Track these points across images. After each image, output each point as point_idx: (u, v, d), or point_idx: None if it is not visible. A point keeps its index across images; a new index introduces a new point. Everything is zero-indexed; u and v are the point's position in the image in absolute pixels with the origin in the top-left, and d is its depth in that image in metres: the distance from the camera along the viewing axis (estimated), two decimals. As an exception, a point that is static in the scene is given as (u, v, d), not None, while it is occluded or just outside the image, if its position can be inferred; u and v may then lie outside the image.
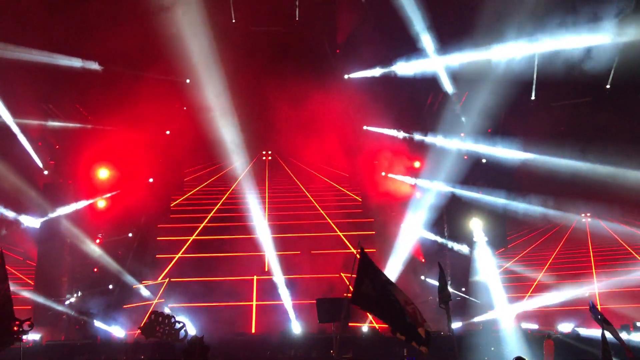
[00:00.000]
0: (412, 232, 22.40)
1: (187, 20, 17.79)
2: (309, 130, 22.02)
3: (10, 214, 20.20)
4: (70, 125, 21.62)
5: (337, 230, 23.93)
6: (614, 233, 24.09)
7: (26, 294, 19.89)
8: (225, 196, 24.81)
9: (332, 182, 25.72)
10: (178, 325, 16.86)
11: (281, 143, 24.29)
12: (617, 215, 23.79)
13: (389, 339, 16.69)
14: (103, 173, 22.22)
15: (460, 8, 17.71)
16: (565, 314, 21.15)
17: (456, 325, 19.62)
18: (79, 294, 21.58)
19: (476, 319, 20.86)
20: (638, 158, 18.29)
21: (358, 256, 9.99)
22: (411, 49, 18.99)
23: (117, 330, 20.04)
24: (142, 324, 17.32)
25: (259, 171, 25.09)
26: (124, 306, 21.82)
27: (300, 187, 25.62)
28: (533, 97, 19.69)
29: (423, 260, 23.28)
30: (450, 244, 22.75)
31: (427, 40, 18.53)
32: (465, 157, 21.96)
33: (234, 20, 19.39)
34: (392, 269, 21.76)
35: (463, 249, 22.44)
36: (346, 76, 21.47)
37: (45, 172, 21.95)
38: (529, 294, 23.19)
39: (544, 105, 20.40)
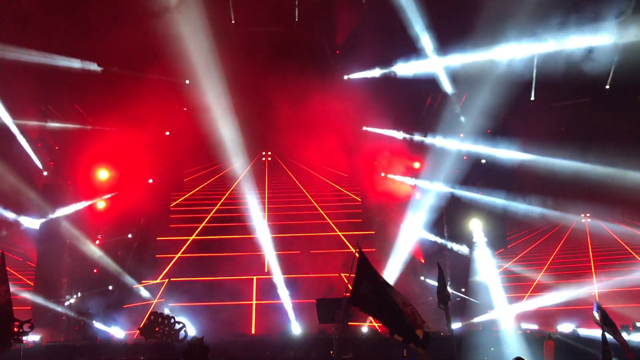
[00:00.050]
0: (411, 233, 22.40)
1: (187, 21, 17.79)
2: (309, 130, 22.05)
3: (10, 215, 20.18)
4: (70, 126, 21.61)
5: (337, 230, 23.94)
6: (614, 233, 24.09)
7: (26, 295, 19.86)
8: (225, 196, 24.82)
9: (331, 182, 25.73)
10: (178, 326, 16.86)
11: (281, 143, 24.31)
12: (617, 215, 23.81)
13: (389, 339, 16.59)
14: (102, 174, 22.22)
15: (459, 8, 17.70)
16: (565, 314, 21.14)
17: (456, 325, 19.62)
18: (79, 295, 21.56)
19: (476, 320, 20.86)
20: (637, 158, 18.29)
21: (357, 256, 10.01)
22: (411, 49, 19.01)
23: (117, 331, 20.03)
24: (141, 325, 17.31)
25: (258, 172, 25.11)
26: (124, 306, 21.83)
27: (300, 187, 25.62)
28: (532, 98, 19.70)
29: (423, 260, 23.28)
30: (449, 244, 22.74)
31: (426, 40, 18.55)
32: (465, 158, 21.97)
33: (233, 21, 19.41)
34: (392, 270, 21.78)
35: (463, 249, 22.43)
36: (346, 77, 21.49)
37: (45, 173, 21.94)
38: (528, 294, 23.18)
39: (544, 105, 20.42)
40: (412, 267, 22.75)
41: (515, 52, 17.55)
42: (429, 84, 20.39)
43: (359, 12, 19.84)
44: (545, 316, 21.50)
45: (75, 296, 21.48)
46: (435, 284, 11.06)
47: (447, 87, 20.47)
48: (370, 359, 17.11)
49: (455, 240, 22.61)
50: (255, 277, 22.98)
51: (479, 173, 22.20)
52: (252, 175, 23.78)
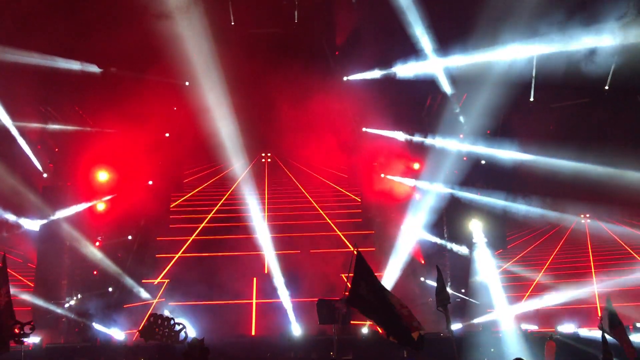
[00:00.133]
0: (411, 234, 22.41)
1: (186, 22, 17.79)
2: (309, 131, 22.07)
3: (10, 217, 20.17)
4: (70, 127, 21.61)
5: (337, 230, 23.95)
6: (613, 234, 24.10)
7: (26, 296, 19.85)
8: (225, 197, 24.84)
9: (331, 183, 25.75)
10: (178, 327, 16.83)
11: (281, 144, 24.34)
12: (617, 215, 23.82)
13: (389, 340, 16.69)
14: (102, 176, 22.22)
15: (459, 10, 17.72)
16: (565, 314, 21.15)
17: (456, 326, 19.62)
18: (79, 296, 21.55)
19: (476, 320, 20.86)
20: (637, 159, 18.31)
21: (356, 255, 10.06)
22: (410, 50, 19.01)
23: (117, 333, 20.02)
24: (140, 327, 17.29)
25: (258, 172, 25.14)
26: (124, 306, 21.86)
27: (299, 188, 25.65)
28: (532, 99, 19.71)
29: (423, 261, 23.28)
30: (449, 245, 22.74)
31: (426, 41, 18.55)
32: (465, 159, 21.98)
33: (233, 23, 19.41)
34: (392, 270, 21.79)
35: (462, 250, 22.44)
36: (345, 78, 21.50)
37: (45, 175, 21.94)
38: (527, 294, 23.19)
39: (543, 106, 20.44)
40: (412, 268, 22.76)
41: (514, 53, 17.56)
42: (428, 85, 20.39)
43: (359, 13, 19.85)
44: (546, 316, 21.52)
45: (75, 298, 21.47)
46: (435, 284, 11.11)
47: (447, 87, 20.47)
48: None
49: (455, 241, 22.61)
50: (255, 277, 23.00)
51: (478, 174, 22.20)
52: (252, 176, 23.79)
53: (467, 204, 22.29)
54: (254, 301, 22.50)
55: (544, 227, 25.16)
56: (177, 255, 23.58)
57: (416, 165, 23.23)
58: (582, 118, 20.31)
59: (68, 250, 21.31)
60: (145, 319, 17.52)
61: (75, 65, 19.06)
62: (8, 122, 19.43)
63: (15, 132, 19.90)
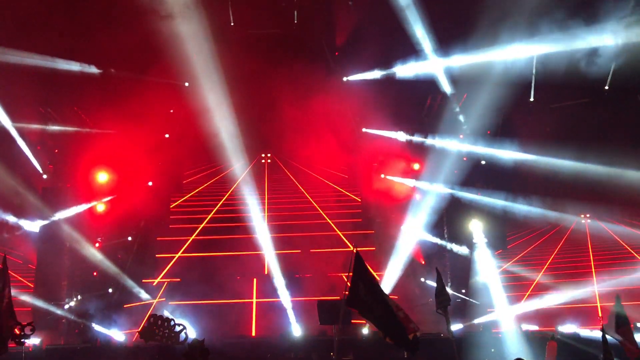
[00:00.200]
0: (411, 234, 22.41)
1: (186, 23, 17.80)
2: (309, 132, 22.07)
3: (10, 218, 20.16)
4: (69, 129, 21.61)
5: (337, 230, 23.95)
6: (614, 233, 24.09)
7: (26, 297, 19.84)
8: (225, 197, 24.84)
9: (331, 183, 25.75)
10: (178, 328, 16.82)
11: (281, 145, 24.36)
12: (617, 215, 23.81)
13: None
14: (102, 177, 22.23)
15: (459, 9, 17.72)
16: (565, 314, 21.14)
17: (457, 327, 19.61)
18: (79, 297, 21.55)
19: (476, 321, 20.84)
20: (637, 158, 18.31)
21: (355, 255, 10.10)
22: (410, 50, 19.01)
23: (117, 334, 20.01)
24: (140, 328, 17.28)
25: (258, 173, 25.13)
26: (124, 306, 21.88)
27: (299, 188, 25.65)
28: (532, 99, 19.71)
29: (423, 262, 23.27)
30: (450, 245, 22.74)
31: (426, 41, 18.56)
32: (465, 159, 21.98)
33: (232, 23, 19.41)
34: (392, 271, 21.78)
35: (463, 250, 22.43)
36: (345, 79, 21.50)
37: (45, 176, 21.94)
38: (527, 294, 23.19)
39: (543, 106, 20.44)
40: (412, 269, 22.75)
41: (515, 53, 17.56)
42: (428, 85, 20.40)
43: (358, 14, 19.84)
44: (546, 316, 21.50)
45: (75, 299, 21.47)
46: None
47: (447, 87, 20.47)
48: (370, 360, 17.13)
49: (456, 241, 22.61)
50: (255, 278, 23.00)
51: (478, 174, 22.20)
52: (252, 176, 23.80)
53: (468, 204, 22.28)
54: (254, 300, 22.50)
55: (544, 227, 25.15)
56: (177, 255, 23.58)
57: (416, 166, 23.23)
58: (582, 118, 20.29)
59: (68, 251, 21.31)
60: (145, 319, 17.52)
61: (75, 66, 19.06)
62: (8, 123, 19.44)
63: (15, 133, 19.91)
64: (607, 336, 10.88)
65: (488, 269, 22.01)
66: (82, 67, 19.26)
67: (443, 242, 22.92)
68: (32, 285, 21.39)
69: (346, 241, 23.40)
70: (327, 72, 21.46)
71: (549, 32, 16.21)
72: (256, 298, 22.58)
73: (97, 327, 20.01)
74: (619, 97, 19.08)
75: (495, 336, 18.98)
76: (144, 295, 22.46)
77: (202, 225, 24.33)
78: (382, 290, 9.99)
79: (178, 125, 22.52)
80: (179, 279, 23.05)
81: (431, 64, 19.42)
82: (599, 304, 21.77)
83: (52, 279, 20.99)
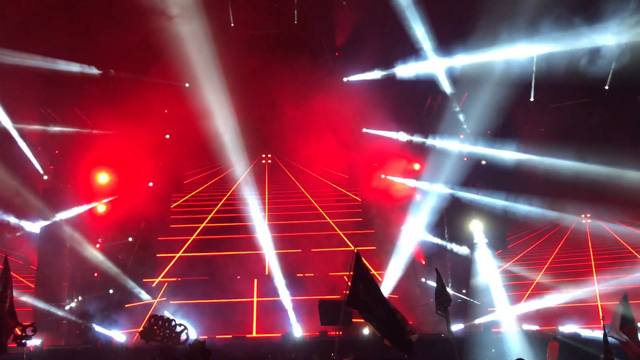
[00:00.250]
0: (412, 235, 22.41)
1: (186, 24, 17.82)
2: (309, 132, 22.09)
3: (11, 219, 20.18)
4: (70, 129, 21.63)
5: (337, 229, 23.96)
6: (615, 233, 24.08)
7: (26, 298, 19.86)
8: (225, 197, 24.87)
9: (331, 183, 25.78)
10: (179, 329, 16.83)
11: (281, 146, 24.37)
12: (618, 215, 23.80)
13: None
14: (103, 177, 22.25)
15: (459, 9, 17.73)
16: (566, 314, 21.14)
17: (457, 327, 19.60)
18: (79, 298, 21.56)
19: (477, 321, 20.84)
20: (637, 158, 18.32)
21: (355, 255, 10.14)
22: (410, 50, 19.02)
23: (118, 335, 20.02)
24: (140, 329, 17.29)
25: (258, 174, 25.15)
26: (125, 305, 21.91)
27: (300, 188, 25.67)
28: (532, 99, 19.71)
29: (424, 262, 23.27)
30: (450, 245, 22.74)
31: (426, 41, 18.56)
32: (465, 159, 21.98)
33: (232, 24, 19.43)
34: (393, 271, 21.78)
35: (463, 250, 22.43)
36: (345, 79, 21.51)
37: (45, 177, 21.95)
38: (527, 293, 23.18)
39: (543, 106, 20.44)
40: (412, 269, 22.76)
41: (514, 53, 17.57)
42: (428, 85, 20.42)
43: (358, 14, 19.86)
44: (547, 316, 21.50)
45: (76, 300, 21.48)
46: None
47: (447, 87, 20.48)
48: (371, 361, 17.10)
49: (456, 242, 22.60)
50: (256, 278, 23.02)
51: (479, 174, 22.20)
52: (252, 176, 23.83)
53: (468, 205, 22.29)
54: (255, 299, 22.51)
55: (545, 227, 25.14)
56: (178, 255, 23.60)
57: (416, 166, 23.24)
58: (582, 118, 20.30)
59: (69, 252, 21.30)
60: (146, 320, 17.52)
61: (75, 67, 19.08)
62: (8, 124, 19.45)
63: (15, 134, 19.92)
64: (608, 336, 10.88)
65: (489, 269, 22.01)
66: (83, 68, 19.28)
67: (443, 243, 22.92)
68: (33, 286, 21.40)
69: (347, 241, 23.41)
70: (327, 72, 21.47)
71: (549, 32, 16.22)
72: (257, 298, 22.59)
73: (97, 328, 20.01)
74: (619, 97, 19.08)
75: (496, 336, 18.97)
76: (144, 295, 22.48)
77: (202, 225, 24.35)
78: (381, 291, 10.04)
79: (178, 125, 22.55)
80: (179, 279, 23.06)
81: (431, 64, 19.42)
82: (599, 304, 21.76)
83: (52, 280, 20.99)
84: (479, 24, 16.61)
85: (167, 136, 23.05)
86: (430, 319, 18.76)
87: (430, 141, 22.21)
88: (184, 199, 25.50)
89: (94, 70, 19.62)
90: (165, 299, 22.46)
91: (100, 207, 22.35)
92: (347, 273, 10.19)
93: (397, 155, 23.28)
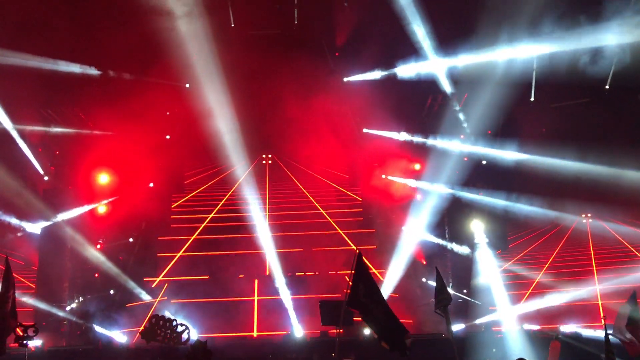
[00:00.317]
0: (413, 235, 22.41)
1: (186, 24, 17.82)
2: (309, 133, 22.09)
3: (12, 220, 20.18)
4: (70, 130, 21.64)
5: (338, 229, 23.97)
6: (616, 233, 24.07)
7: (27, 299, 19.86)
8: (226, 197, 24.90)
9: (332, 183, 25.79)
10: (180, 329, 16.83)
11: (281, 146, 24.38)
12: (618, 215, 23.79)
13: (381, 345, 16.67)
14: (103, 178, 22.26)
15: (459, 9, 17.73)
16: (567, 314, 21.12)
17: (458, 327, 19.59)
18: (80, 299, 21.57)
19: (478, 321, 20.83)
20: (637, 158, 18.31)
21: (357, 256, 10.14)
22: (410, 50, 19.01)
23: (119, 335, 20.02)
24: (141, 329, 17.28)
25: (259, 174, 25.18)
26: (127, 305, 21.92)
27: (300, 188, 25.70)
28: (532, 99, 19.71)
29: (424, 262, 23.27)
30: (451, 245, 22.73)
31: (426, 41, 18.55)
32: (466, 159, 21.98)
33: (233, 24, 19.42)
34: (393, 271, 21.78)
35: (464, 250, 22.42)
36: (345, 79, 21.50)
37: (46, 178, 21.96)
38: (528, 293, 23.17)
39: (544, 106, 20.43)
40: (413, 269, 22.75)
41: (515, 53, 17.56)
42: (429, 85, 20.40)
43: (359, 14, 19.84)
44: (547, 316, 21.49)
45: (76, 300, 21.49)
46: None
47: (447, 87, 20.48)
48: (372, 361, 17.10)
49: (457, 241, 22.58)
50: (256, 278, 23.03)
51: (479, 174, 22.20)
52: (253, 176, 23.85)
53: (468, 205, 22.28)
54: (256, 299, 22.52)
55: (545, 226, 25.13)
56: (179, 255, 23.63)
57: (417, 166, 23.24)
58: (582, 118, 20.30)
59: (69, 252, 21.31)
60: (147, 320, 17.52)
61: (76, 68, 19.08)
62: (9, 125, 19.46)
63: (16, 135, 19.93)
64: (610, 335, 10.85)
65: (489, 269, 22.00)
66: (83, 69, 19.28)
67: (444, 242, 22.91)
68: (34, 287, 21.41)
69: (348, 240, 23.43)
70: (328, 73, 21.46)
71: (550, 31, 16.21)
72: (258, 299, 22.59)
73: (98, 328, 20.01)
74: (619, 97, 19.08)
75: (497, 336, 18.95)
76: (145, 295, 22.50)
77: (203, 225, 24.37)
78: (381, 293, 10.05)
79: (179, 126, 22.55)
80: (180, 278, 23.07)
81: (432, 64, 19.40)
82: (600, 303, 21.75)
83: (53, 281, 20.99)
84: (480, 23, 16.61)
85: (168, 136, 23.05)
86: (430, 319, 18.75)
87: (430, 141, 22.20)
88: (185, 199, 25.53)
89: (94, 71, 19.61)
90: (166, 298, 22.49)
91: (101, 208, 22.36)
92: (348, 272, 10.20)
93: (397, 155, 23.27)
